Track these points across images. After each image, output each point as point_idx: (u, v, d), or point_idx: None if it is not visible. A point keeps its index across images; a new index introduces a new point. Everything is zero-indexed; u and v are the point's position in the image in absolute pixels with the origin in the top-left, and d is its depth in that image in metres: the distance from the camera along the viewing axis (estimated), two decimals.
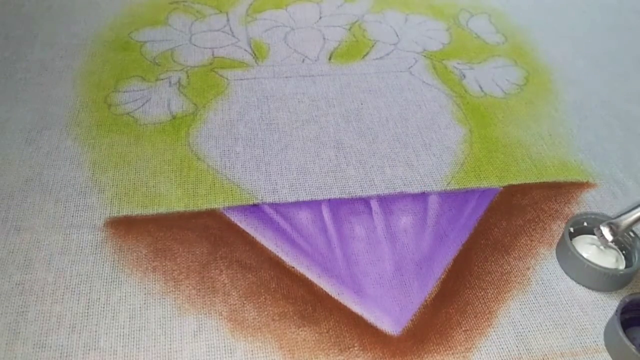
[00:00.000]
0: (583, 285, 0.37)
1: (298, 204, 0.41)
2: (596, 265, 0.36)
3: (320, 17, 0.60)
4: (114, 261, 0.37)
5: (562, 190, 0.43)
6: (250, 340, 0.33)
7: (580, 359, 0.33)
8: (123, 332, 0.33)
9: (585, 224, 0.39)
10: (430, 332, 0.34)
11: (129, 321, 0.34)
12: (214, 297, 0.35)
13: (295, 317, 0.34)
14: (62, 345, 0.32)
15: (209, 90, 0.50)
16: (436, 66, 0.54)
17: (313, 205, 0.41)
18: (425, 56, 0.55)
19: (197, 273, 0.36)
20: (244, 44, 0.56)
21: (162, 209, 0.40)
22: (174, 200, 0.41)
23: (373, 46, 0.56)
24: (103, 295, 0.35)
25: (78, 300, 0.35)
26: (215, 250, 0.38)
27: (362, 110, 0.49)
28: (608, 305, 0.36)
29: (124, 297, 0.35)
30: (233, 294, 0.35)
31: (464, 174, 0.44)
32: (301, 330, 0.34)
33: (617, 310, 0.33)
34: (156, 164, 0.43)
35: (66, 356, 0.32)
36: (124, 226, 0.39)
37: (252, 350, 0.33)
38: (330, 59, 0.55)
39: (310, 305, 0.35)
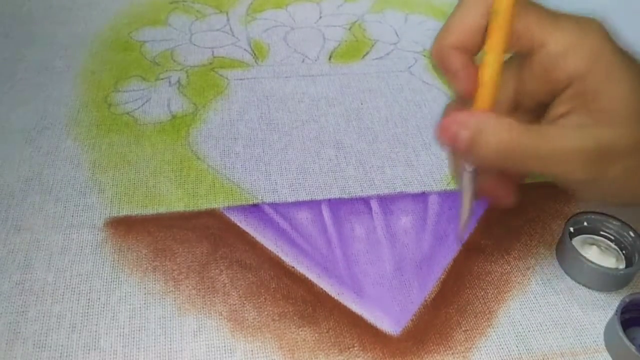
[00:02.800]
0: (583, 285, 0.37)
1: (298, 204, 0.41)
2: (596, 265, 0.36)
3: (320, 17, 0.60)
4: (114, 261, 0.37)
5: (562, 190, 0.43)
6: (250, 340, 0.33)
7: (580, 359, 0.33)
8: (123, 332, 0.33)
9: (585, 223, 0.39)
10: (430, 332, 0.34)
11: (129, 321, 0.34)
12: (214, 297, 0.35)
13: (295, 317, 0.34)
14: (62, 345, 0.32)
15: (209, 90, 0.50)
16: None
17: (313, 205, 0.41)
18: (425, 56, 0.55)
19: (197, 273, 0.36)
20: (244, 43, 0.56)
21: (162, 209, 0.40)
22: (174, 200, 0.41)
23: (373, 46, 0.56)
24: (103, 295, 0.35)
25: (78, 300, 0.35)
26: (215, 250, 0.38)
27: (362, 110, 0.49)
28: (608, 305, 0.36)
29: (124, 297, 0.35)
30: (233, 294, 0.35)
31: None
32: (301, 330, 0.34)
33: (617, 310, 0.33)
34: (156, 164, 0.43)
35: (66, 356, 0.32)
36: (124, 226, 0.39)
37: (252, 350, 0.33)
38: (330, 58, 0.55)
39: (310, 305, 0.35)
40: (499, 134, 0.29)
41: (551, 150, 0.29)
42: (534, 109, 0.33)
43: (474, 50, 0.32)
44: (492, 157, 0.30)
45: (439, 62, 0.32)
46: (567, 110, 0.31)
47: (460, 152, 0.32)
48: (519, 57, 0.33)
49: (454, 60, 0.31)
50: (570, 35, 0.30)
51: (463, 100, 0.33)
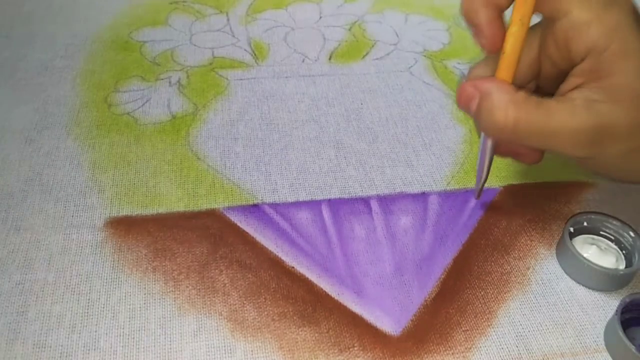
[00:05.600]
0: (583, 285, 0.37)
1: (298, 204, 0.41)
2: (596, 265, 0.36)
3: (320, 17, 0.60)
4: (114, 261, 0.37)
5: (562, 190, 0.43)
6: (250, 340, 0.33)
7: (580, 359, 0.33)
8: (123, 332, 0.33)
9: (585, 224, 0.39)
10: (430, 332, 0.34)
11: (129, 321, 0.34)
12: (214, 297, 0.35)
13: (295, 317, 0.34)
14: (62, 345, 0.32)
15: (209, 90, 0.50)
16: (436, 66, 0.54)
17: (313, 205, 0.41)
18: (425, 56, 0.55)
19: (197, 273, 0.36)
20: (244, 43, 0.56)
21: (162, 209, 0.40)
22: (174, 200, 0.41)
23: (373, 46, 0.56)
24: (103, 295, 0.35)
25: (78, 300, 0.35)
26: (215, 250, 0.38)
27: (362, 110, 0.49)
28: (608, 305, 0.36)
29: (124, 297, 0.35)
30: (233, 294, 0.35)
31: (464, 174, 0.44)
32: (301, 330, 0.34)
33: (617, 310, 0.33)
34: (156, 164, 0.43)
35: (66, 356, 0.32)
36: (124, 226, 0.39)
37: (252, 350, 0.33)
38: (330, 59, 0.55)
39: (310, 305, 0.35)
40: (505, 109, 0.30)
41: (553, 130, 0.30)
42: (555, 77, 0.33)
43: (503, 5, 0.32)
44: (496, 130, 0.31)
45: (467, 16, 0.32)
46: (580, 83, 0.31)
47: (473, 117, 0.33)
48: (546, 21, 0.32)
49: (481, 15, 0.31)
50: (595, 6, 0.29)
51: (487, 60, 0.33)
